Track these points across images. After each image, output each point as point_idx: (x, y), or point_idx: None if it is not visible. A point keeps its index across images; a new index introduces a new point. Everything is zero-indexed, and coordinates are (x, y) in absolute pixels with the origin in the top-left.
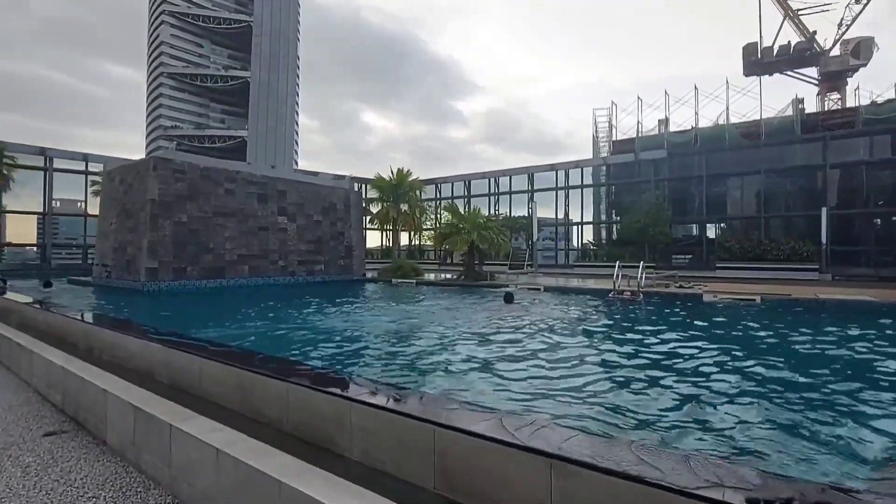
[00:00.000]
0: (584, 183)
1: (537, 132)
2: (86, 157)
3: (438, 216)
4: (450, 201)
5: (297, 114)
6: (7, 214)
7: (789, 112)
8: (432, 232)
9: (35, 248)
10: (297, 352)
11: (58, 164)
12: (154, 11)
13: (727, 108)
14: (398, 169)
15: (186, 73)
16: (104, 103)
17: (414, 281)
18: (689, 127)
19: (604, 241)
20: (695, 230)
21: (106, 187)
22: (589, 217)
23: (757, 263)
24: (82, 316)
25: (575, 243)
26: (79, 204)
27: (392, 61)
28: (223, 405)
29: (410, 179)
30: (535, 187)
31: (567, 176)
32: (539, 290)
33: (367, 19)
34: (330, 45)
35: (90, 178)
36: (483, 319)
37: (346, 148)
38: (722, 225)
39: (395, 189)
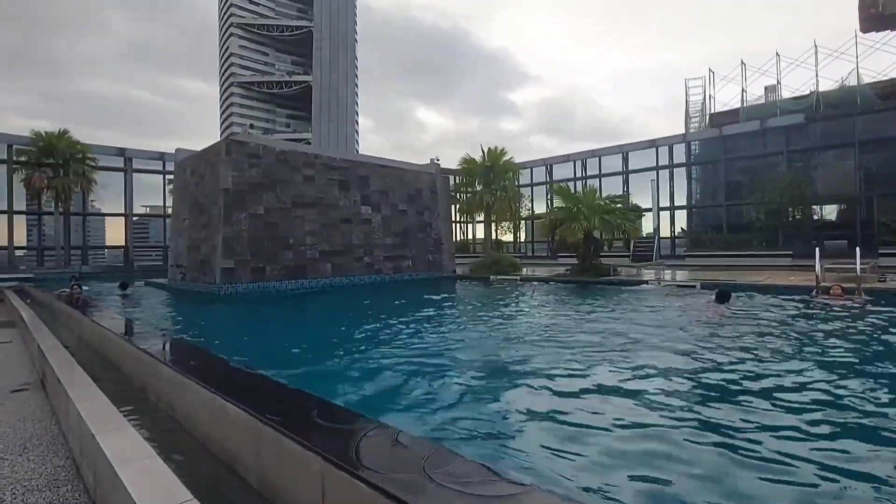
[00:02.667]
0: (679, 161)
1: (594, 119)
2: (162, 157)
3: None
4: (560, 184)
5: (357, 114)
6: (106, 218)
7: None
8: (521, 222)
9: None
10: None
11: (137, 164)
12: (224, 25)
13: (857, 67)
14: (489, 148)
15: (254, 82)
16: (181, 116)
17: (517, 277)
18: (808, 91)
19: (695, 227)
20: (837, 209)
21: (178, 180)
22: (681, 201)
23: None
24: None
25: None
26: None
27: (444, 57)
28: None
29: (505, 160)
30: (629, 168)
31: (671, 153)
32: (694, 286)
33: (417, 18)
34: (383, 45)
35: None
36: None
37: (402, 146)
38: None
39: (488, 172)
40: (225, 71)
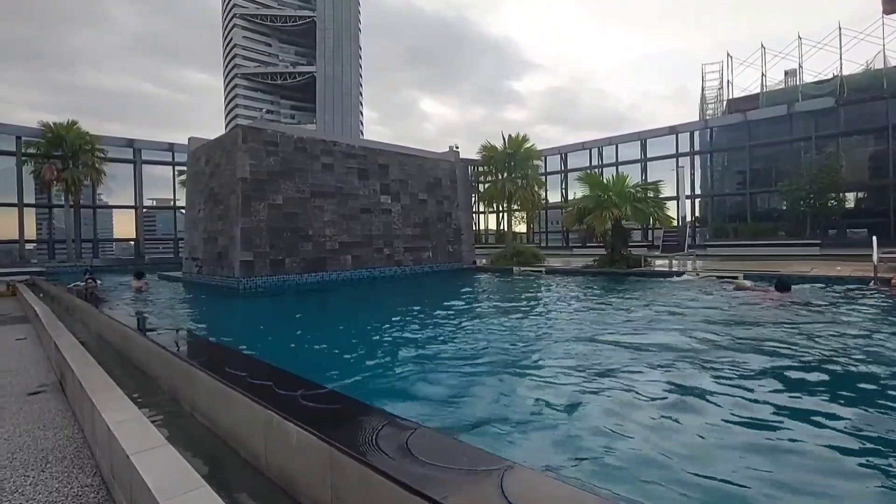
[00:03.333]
0: (700, 149)
1: (600, 108)
2: (172, 147)
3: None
4: (587, 171)
5: (362, 104)
6: (113, 210)
7: None
8: (535, 212)
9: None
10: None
11: (146, 155)
12: (227, 16)
13: (883, 49)
14: (510, 135)
15: (258, 73)
16: (186, 108)
17: (542, 269)
18: (832, 75)
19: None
20: (861, 196)
21: (191, 170)
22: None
23: None
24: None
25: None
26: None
27: (448, 47)
28: None
29: (527, 147)
30: (647, 155)
31: (692, 140)
32: (737, 276)
33: (420, 7)
34: (386, 35)
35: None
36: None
37: (406, 137)
38: None
39: (509, 159)
40: (229, 62)
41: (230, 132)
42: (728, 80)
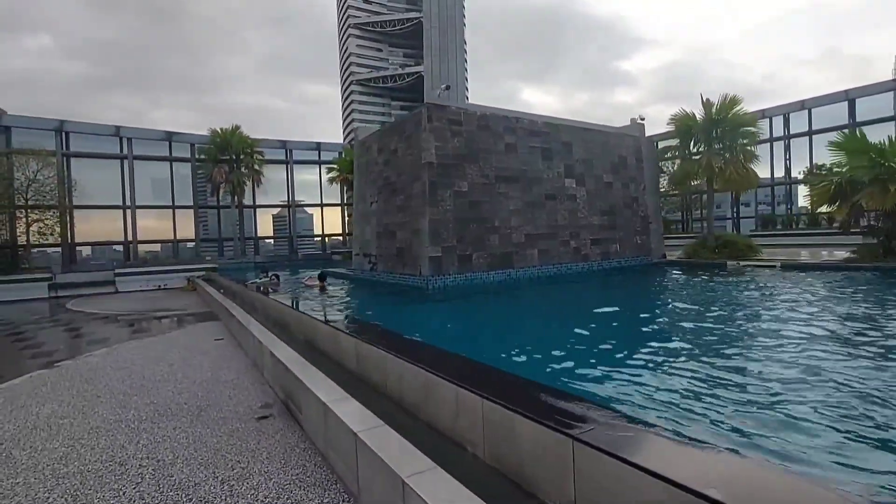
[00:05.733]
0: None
1: (726, 81)
2: (318, 146)
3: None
4: (844, 131)
5: (468, 99)
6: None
7: None
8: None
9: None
10: None
11: (296, 156)
12: (342, 27)
13: None
14: (707, 99)
15: (370, 78)
16: (305, 118)
17: (775, 264)
18: None
19: None
20: None
21: (361, 160)
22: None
23: None
24: None
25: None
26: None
27: (549, 33)
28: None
29: (737, 111)
30: (856, 119)
31: None
32: None
33: None
34: (487, 28)
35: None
36: None
37: None
38: None
39: (713, 129)
40: (345, 71)
41: (414, 113)
42: None
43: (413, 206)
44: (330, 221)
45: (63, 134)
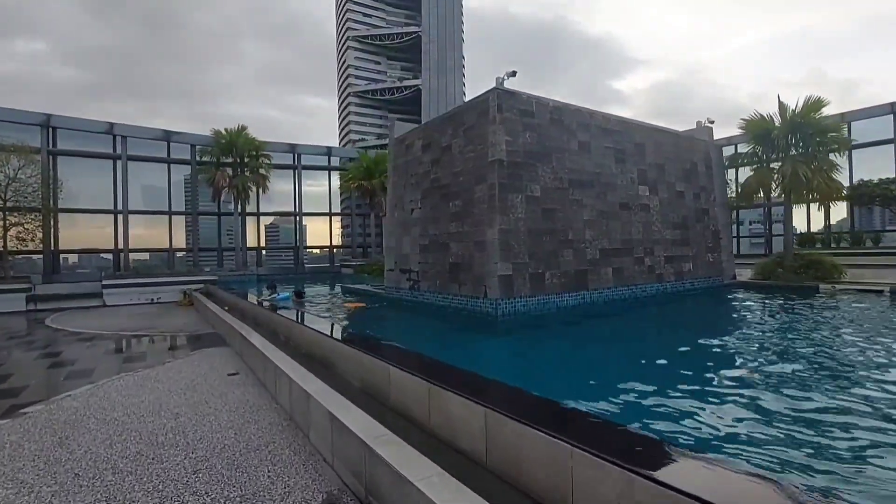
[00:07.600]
0: None
1: (715, 101)
2: (329, 151)
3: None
4: None
5: None
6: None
7: None
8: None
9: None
10: None
11: (305, 161)
12: (341, 39)
13: None
14: (781, 102)
15: (368, 90)
16: (300, 129)
17: (884, 290)
18: None
19: None
20: None
21: (398, 160)
22: None
23: None
24: None
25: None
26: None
27: (543, 50)
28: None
29: (819, 115)
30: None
31: None
32: None
33: (515, 13)
34: (483, 43)
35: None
36: None
37: None
38: None
39: (794, 133)
40: (343, 83)
41: (479, 99)
42: None
43: (475, 213)
44: (311, 231)
45: (50, 130)
